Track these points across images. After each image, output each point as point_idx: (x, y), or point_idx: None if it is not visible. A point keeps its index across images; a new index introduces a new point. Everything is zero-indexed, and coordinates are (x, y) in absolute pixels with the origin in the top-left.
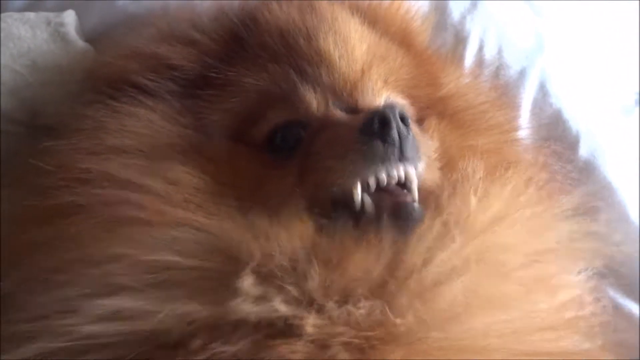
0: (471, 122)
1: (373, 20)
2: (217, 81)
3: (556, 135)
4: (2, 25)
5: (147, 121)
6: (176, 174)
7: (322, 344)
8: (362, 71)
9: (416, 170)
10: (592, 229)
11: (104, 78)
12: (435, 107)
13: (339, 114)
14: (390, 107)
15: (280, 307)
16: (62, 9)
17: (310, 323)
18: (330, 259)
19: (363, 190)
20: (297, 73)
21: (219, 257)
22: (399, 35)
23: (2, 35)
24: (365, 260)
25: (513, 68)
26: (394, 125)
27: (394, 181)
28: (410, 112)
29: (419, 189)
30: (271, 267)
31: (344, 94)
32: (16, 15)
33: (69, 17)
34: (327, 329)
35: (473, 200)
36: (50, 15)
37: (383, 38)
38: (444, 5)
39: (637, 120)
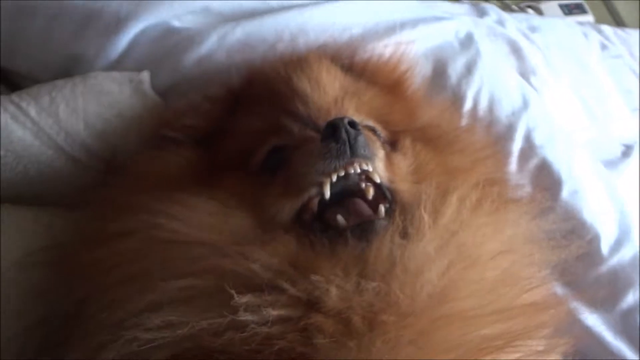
0: (445, 146)
1: (352, 67)
2: (223, 130)
3: (541, 179)
4: (94, 81)
5: (174, 163)
6: (194, 202)
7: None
8: (335, 101)
9: (371, 166)
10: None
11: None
12: (411, 133)
13: (313, 134)
14: (339, 117)
15: (273, 314)
16: (139, 69)
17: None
18: (306, 268)
19: (331, 187)
20: (280, 110)
21: (217, 276)
22: (380, 80)
23: (96, 89)
24: (335, 265)
25: (502, 122)
26: (342, 128)
27: (353, 173)
28: (382, 133)
29: (395, 200)
30: (257, 281)
31: (319, 121)
32: (104, 74)
33: (146, 76)
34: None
35: (429, 208)
36: (132, 74)
37: (358, 80)
38: (443, 70)
39: (625, 171)
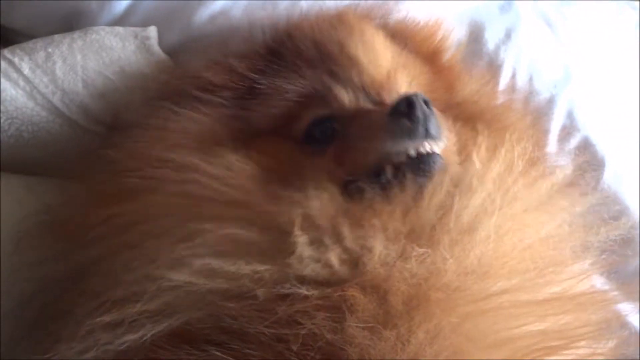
0: (484, 126)
1: (395, 34)
2: (261, 91)
3: (584, 157)
4: (96, 36)
5: (202, 123)
6: (230, 162)
7: (376, 296)
8: (388, 75)
9: (439, 148)
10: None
11: (168, 90)
12: (451, 110)
13: (369, 105)
14: (414, 93)
15: (334, 261)
16: (145, 25)
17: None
18: (360, 219)
19: (393, 166)
20: (330, 76)
21: (273, 229)
22: (419, 49)
23: (96, 45)
24: (390, 215)
25: (542, 95)
26: (418, 106)
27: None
28: None
29: None
30: (313, 229)
31: (372, 93)
32: (107, 28)
33: (153, 32)
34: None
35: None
36: (137, 29)
37: (404, 50)
38: (480, 35)
39: None
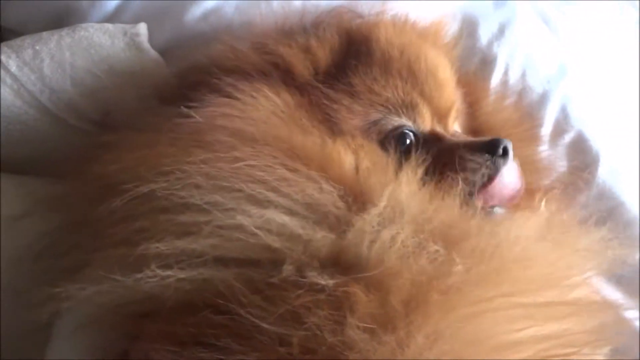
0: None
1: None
2: (341, 87)
3: (578, 154)
4: (84, 33)
5: (269, 110)
6: (333, 148)
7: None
8: (452, 105)
9: None
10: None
11: (223, 67)
12: (471, 129)
13: (441, 131)
14: (508, 140)
15: (393, 249)
16: (135, 22)
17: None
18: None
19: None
20: (417, 93)
21: (351, 197)
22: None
23: (84, 42)
24: (453, 214)
25: (536, 91)
26: (510, 154)
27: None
28: None
29: None
30: (391, 211)
31: (441, 119)
32: (96, 25)
33: (143, 29)
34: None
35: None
36: (126, 26)
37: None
38: (474, 30)
39: None
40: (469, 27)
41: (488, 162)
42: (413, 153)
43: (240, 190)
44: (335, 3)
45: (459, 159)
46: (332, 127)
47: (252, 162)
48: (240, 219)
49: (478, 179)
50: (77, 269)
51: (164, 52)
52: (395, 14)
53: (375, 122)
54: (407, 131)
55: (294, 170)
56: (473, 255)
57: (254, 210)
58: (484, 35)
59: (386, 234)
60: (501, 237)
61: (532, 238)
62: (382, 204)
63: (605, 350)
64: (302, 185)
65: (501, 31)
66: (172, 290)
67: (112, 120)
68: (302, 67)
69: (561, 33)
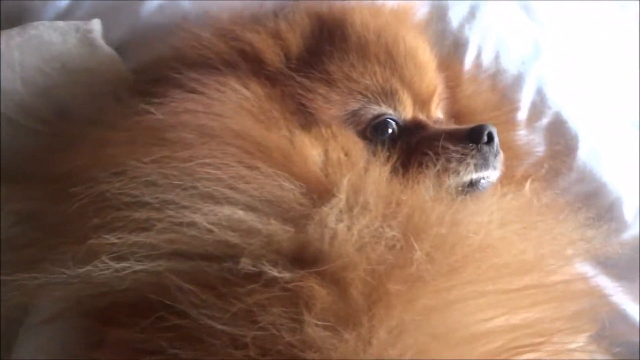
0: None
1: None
2: (317, 75)
3: (556, 136)
4: (34, 32)
5: (253, 97)
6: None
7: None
8: (434, 90)
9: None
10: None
11: (186, 59)
12: (454, 109)
13: (423, 118)
14: (493, 125)
15: (354, 239)
16: (90, 19)
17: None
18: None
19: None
20: (397, 79)
21: (315, 194)
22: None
23: (34, 41)
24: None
25: (510, 73)
26: (496, 140)
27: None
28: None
29: None
30: (353, 202)
31: (424, 106)
32: (47, 23)
33: (96, 25)
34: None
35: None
36: (79, 22)
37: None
38: (444, 14)
39: None
40: (439, 11)
41: (473, 152)
42: (394, 143)
43: (194, 188)
44: None
45: (442, 150)
46: (307, 118)
47: (207, 160)
48: (194, 216)
49: (463, 169)
50: (35, 263)
51: (120, 47)
52: None
53: (355, 113)
54: (388, 120)
55: (253, 168)
56: (435, 244)
57: (210, 207)
58: (455, 18)
59: (344, 225)
60: (464, 225)
61: (495, 224)
62: (342, 195)
63: (583, 337)
64: (261, 183)
65: (472, 13)
66: (129, 282)
67: (66, 119)
68: (272, 54)
69: (537, 13)
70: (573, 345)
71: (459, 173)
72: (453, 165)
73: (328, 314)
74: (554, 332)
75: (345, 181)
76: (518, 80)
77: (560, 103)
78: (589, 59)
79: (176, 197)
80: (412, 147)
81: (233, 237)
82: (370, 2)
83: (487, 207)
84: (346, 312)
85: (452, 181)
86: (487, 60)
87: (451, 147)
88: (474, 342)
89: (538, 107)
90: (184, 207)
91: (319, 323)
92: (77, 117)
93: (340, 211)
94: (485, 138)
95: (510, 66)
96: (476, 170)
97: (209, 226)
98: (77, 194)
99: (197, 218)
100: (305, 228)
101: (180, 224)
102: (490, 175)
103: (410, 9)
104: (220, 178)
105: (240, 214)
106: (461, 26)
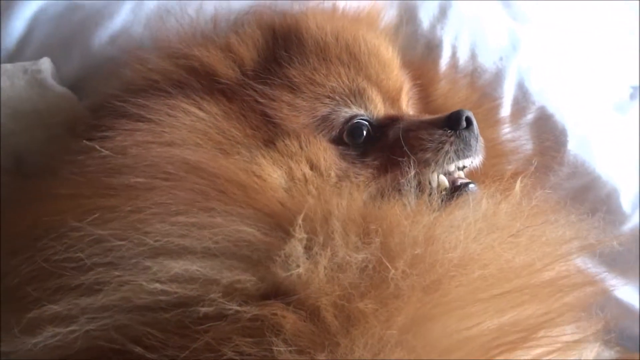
0: None
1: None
2: (277, 81)
3: (544, 132)
4: None
5: (209, 119)
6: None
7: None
8: (402, 86)
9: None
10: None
11: (132, 86)
12: (428, 107)
13: (395, 113)
14: (469, 111)
15: (321, 269)
16: (40, 57)
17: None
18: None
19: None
20: (363, 77)
21: (278, 226)
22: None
23: None
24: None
25: (488, 71)
26: (475, 124)
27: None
28: None
29: None
30: (322, 231)
31: (394, 102)
32: None
33: (45, 64)
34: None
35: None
36: (27, 63)
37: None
38: (413, 15)
39: (636, 114)
40: (408, 12)
41: (452, 138)
42: (372, 143)
43: (143, 244)
44: (250, 3)
45: (418, 141)
46: (271, 131)
47: (156, 210)
48: (144, 277)
49: (441, 157)
50: None
51: (75, 84)
52: (321, 3)
53: (325, 118)
54: (361, 121)
55: (207, 210)
56: (411, 263)
57: (162, 263)
58: (425, 18)
59: (309, 264)
60: (439, 243)
61: (474, 237)
62: (303, 231)
63: (571, 328)
64: (218, 227)
65: (443, 13)
66: (82, 341)
67: (25, 166)
68: (224, 68)
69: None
70: (565, 338)
71: (438, 162)
72: (429, 155)
73: (299, 338)
74: (539, 325)
75: (305, 211)
76: (497, 76)
77: (543, 95)
78: (566, 46)
79: (126, 253)
80: (391, 144)
81: (192, 291)
82: (324, 7)
83: (466, 219)
84: (320, 335)
85: (433, 179)
86: (463, 58)
87: (427, 136)
88: (459, 349)
89: (521, 103)
90: (134, 265)
91: (290, 348)
92: (33, 165)
93: (305, 247)
94: (464, 123)
95: (488, 63)
96: (458, 157)
97: (162, 286)
98: (19, 265)
99: (148, 277)
100: (270, 270)
101: (132, 282)
102: (474, 161)
103: (369, 14)
104: (171, 229)
105: (195, 266)
106: (432, 26)
